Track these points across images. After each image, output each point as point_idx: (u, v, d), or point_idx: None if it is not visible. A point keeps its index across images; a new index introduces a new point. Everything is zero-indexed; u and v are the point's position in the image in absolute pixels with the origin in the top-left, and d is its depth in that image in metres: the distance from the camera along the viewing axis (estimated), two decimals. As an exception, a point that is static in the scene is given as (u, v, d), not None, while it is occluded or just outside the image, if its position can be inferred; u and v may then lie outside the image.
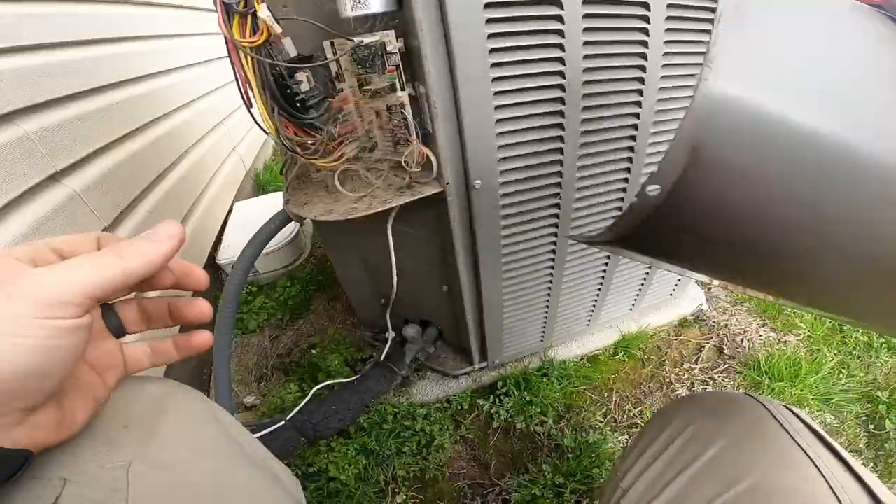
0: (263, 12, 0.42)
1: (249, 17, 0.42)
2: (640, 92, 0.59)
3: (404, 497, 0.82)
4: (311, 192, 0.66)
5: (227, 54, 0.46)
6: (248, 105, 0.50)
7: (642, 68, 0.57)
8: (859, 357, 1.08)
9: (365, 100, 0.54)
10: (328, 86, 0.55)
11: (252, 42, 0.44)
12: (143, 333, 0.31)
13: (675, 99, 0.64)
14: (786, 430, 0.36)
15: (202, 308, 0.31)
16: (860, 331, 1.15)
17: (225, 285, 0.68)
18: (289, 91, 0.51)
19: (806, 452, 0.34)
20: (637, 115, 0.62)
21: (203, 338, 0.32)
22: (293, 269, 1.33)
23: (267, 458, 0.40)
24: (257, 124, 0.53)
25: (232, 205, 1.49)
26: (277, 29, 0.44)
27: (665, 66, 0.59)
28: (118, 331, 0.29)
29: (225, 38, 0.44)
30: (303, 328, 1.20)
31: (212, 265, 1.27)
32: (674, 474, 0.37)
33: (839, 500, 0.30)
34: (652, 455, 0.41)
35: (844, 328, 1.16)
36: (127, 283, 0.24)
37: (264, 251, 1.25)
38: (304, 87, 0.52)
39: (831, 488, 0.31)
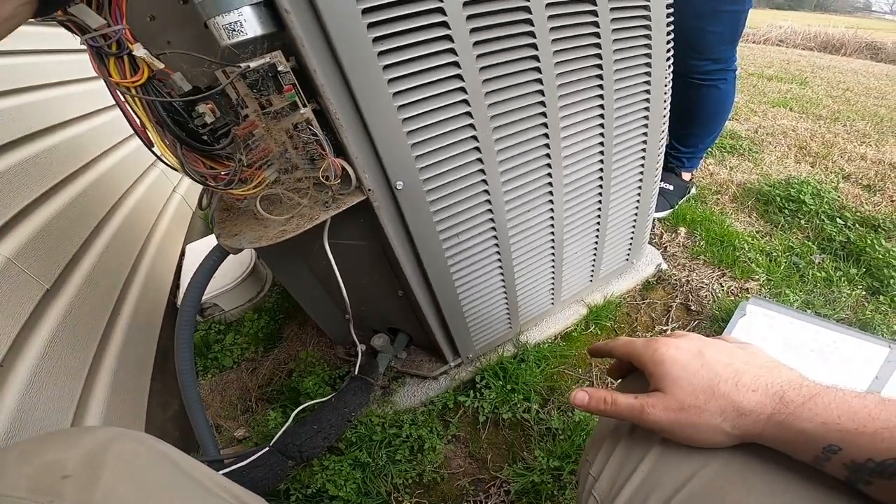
0: (140, 51, 0.42)
1: (126, 58, 0.42)
2: (539, 70, 0.61)
3: (409, 504, 0.82)
4: (241, 221, 0.65)
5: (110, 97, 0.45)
6: (149, 145, 0.50)
7: (534, 45, 0.58)
8: (822, 294, 1.11)
9: (271, 121, 0.54)
10: (232, 114, 0.54)
11: (134, 82, 0.43)
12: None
13: (576, 81, 0.66)
14: None
15: None
16: (815, 267, 1.18)
17: (175, 332, 0.67)
18: (191, 126, 0.50)
19: None
20: (542, 92, 0.63)
21: None
22: (258, 302, 1.32)
23: (229, 487, 0.40)
24: (161, 160, 0.52)
25: (184, 247, 1.46)
26: (159, 65, 0.44)
27: (556, 40, 0.60)
28: None
29: (105, 81, 0.43)
30: (278, 356, 1.18)
31: (172, 311, 1.24)
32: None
33: None
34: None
35: (801, 266, 1.20)
36: None
37: (226, 288, 1.26)
38: (209, 118, 0.51)
39: None
